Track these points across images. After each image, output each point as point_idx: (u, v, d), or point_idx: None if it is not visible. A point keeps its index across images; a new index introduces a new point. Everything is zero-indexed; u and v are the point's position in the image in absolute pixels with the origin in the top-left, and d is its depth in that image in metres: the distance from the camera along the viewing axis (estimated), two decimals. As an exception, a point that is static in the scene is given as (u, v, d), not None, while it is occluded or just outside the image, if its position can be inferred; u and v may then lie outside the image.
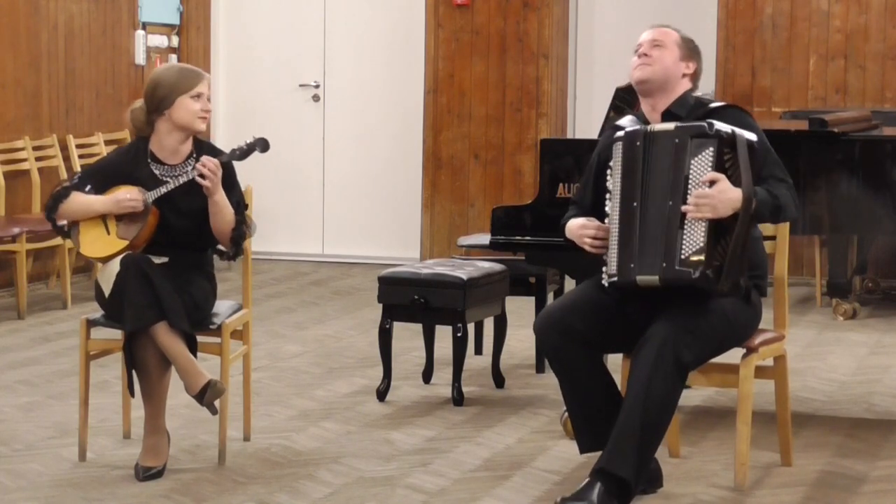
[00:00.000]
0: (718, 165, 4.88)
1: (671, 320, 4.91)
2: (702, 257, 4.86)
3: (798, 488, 5.31)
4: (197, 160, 5.49)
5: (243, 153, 5.57)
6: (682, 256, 4.88)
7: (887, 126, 7.34)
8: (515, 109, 10.80)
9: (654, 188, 4.96)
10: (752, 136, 4.99)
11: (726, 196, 4.86)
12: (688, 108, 5.20)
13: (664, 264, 4.89)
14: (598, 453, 4.98)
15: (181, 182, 5.45)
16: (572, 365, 5.09)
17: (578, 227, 5.14)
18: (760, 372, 5.34)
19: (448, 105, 10.92)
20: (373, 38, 11.24)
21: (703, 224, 4.86)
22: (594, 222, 5.10)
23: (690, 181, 4.89)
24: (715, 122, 4.95)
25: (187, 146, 5.56)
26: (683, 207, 4.88)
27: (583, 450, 5.20)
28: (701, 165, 4.90)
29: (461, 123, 10.90)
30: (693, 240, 4.88)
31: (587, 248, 5.10)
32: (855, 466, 5.61)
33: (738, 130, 4.95)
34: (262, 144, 5.60)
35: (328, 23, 11.35)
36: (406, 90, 11.13)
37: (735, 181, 4.88)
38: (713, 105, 5.25)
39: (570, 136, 11.01)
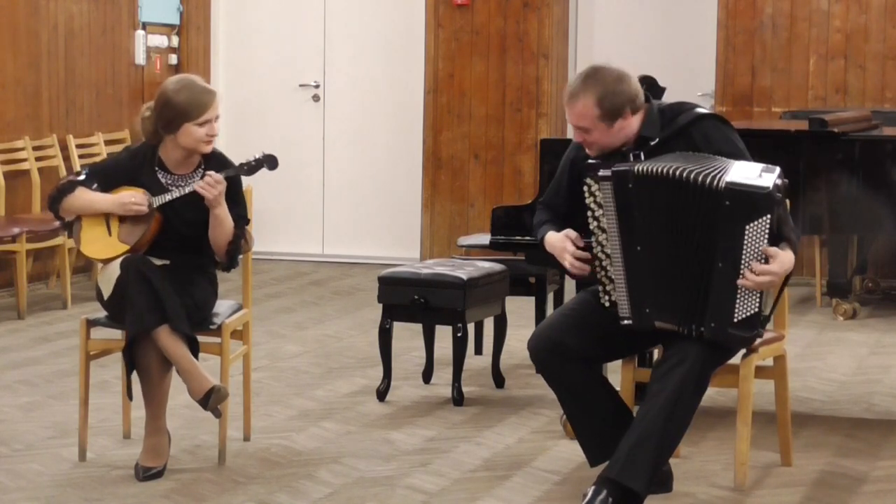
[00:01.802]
0: (772, 229, 4.78)
1: (699, 341, 4.87)
2: (756, 320, 4.85)
3: (798, 488, 5.31)
4: (205, 171, 5.47)
5: (251, 169, 5.53)
6: (736, 319, 4.83)
7: (887, 126, 7.34)
8: (515, 109, 10.80)
9: (677, 237, 4.86)
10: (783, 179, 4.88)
11: (784, 268, 4.79)
12: (657, 126, 5.03)
13: (713, 324, 4.82)
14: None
15: (187, 191, 5.44)
16: (570, 382, 5.06)
17: (560, 249, 5.05)
18: (760, 372, 5.34)
19: (448, 105, 10.92)
20: (373, 38, 11.24)
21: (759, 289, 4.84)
22: (574, 243, 5.02)
23: (745, 248, 4.77)
24: (768, 182, 4.76)
25: (196, 157, 5.53)
26: (741, 282, 4.77)
27: (593, 462, 5.12)
28: (757, 233, 4.77)
29: (461, 123, 10.90)
30: (748, 304, 4.83)
31: (568, 268, 5.04)
32: (855, 466, 5.61)
33: (780, 182, 4.80)
34: (271, 162, 5.54)
35: (328, 23, 11.35)
36: (406, 90, 11.12)
37: (781, 236, 4.84)
38: (688, 119, 5.05)
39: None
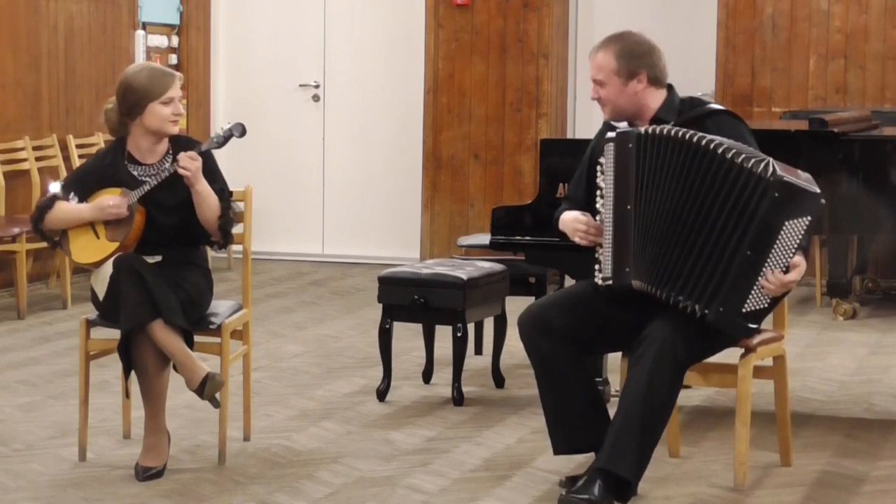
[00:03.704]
0: (806, 233, 4.85)
1: (670, 319, 4.90)
2: (762, 315, 4.92)
3: (798, 488, 5.31)
4: (174, 156, 5.50)
5: (221, 140, 5.57)
6: (745, 310, 4.87)
7: (887, 126, 7.34)
8: (515, 109, 10.80)
9: (690, 208, 4.88)
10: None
11: (800, 275, 4.88)
12: (675, 113, 5.13)
13: (721, 309, 4.85)
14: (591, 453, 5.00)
15: (162, 178, 5.46)
16: (548, 360, 5.08)
17: (572, 220, 5.13)
18: (760, 372, 5.34)
19: (448, 105, 10.92)
20: (373, 38, 11.24)
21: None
22: (587, 217, 5.09)
23: (778, 243, 4.81)
24: (815, 186, 4.85)
25: (163, 144, 5.56)
26: (763, 283, 4.83)
27: (556, 451, 5.20)
28: (793, 231, 4.82)
29: (461, 123, 10.90)
30: (761, 297, 4.88)
31: (578, 240, 5.10)
32: (855, 466, 5.61)
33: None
34: (240, 130, 5.59)
35: (328, 23, 11.35)
36: (406, 90, 11.13)
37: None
38: (704, 111, 5.17)
39: (570, 136, 11.01)
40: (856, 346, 8.10)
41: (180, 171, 5.40)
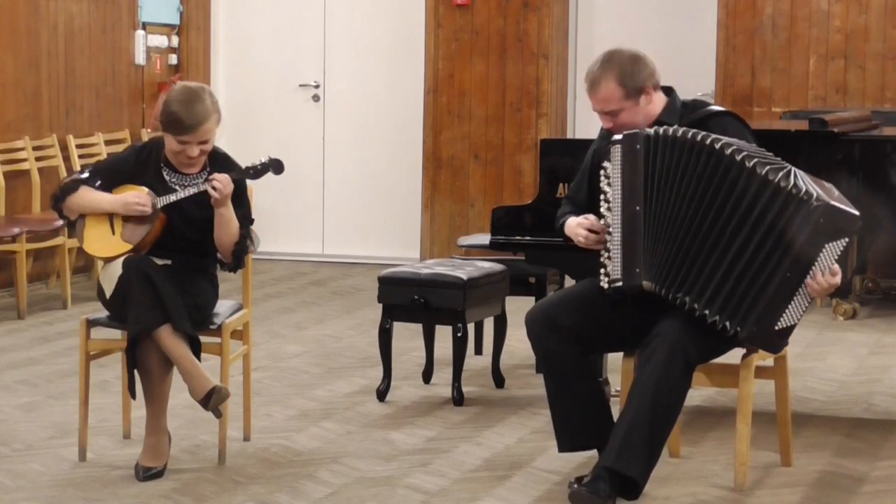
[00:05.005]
0: (843, 253, 4.87)
1: (680, 319, 4.89)
2: (790, 332, 4.93)
3: (798, 488, 5.31)
4: (210, 172, 5.45)
5: (257, 173, 5.50)
6: (778, 327, 4.88)
7: (887, 126, 7.34)
8: (515, 109, 10.80)
9: (712, 217, 4.87)
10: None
11: (839, 280, 4.88)
12: (677, 115, 5.14)
13: (755, 327, 4.85)
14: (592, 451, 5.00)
15: (191, 193, 5.43)
16: (554, 358, 5.10)
17: (575, 226, 5.13)
18: (760, 372, 5.34)
19: (448, 105, 10.92)
20: (373, 38, 11.24)
21: (807, 301, 4.87)
22: (590, 220, 5.09)
23: (817, 264, 4.81)
24: (852, 206, 4.85)
25: (202, 158, 5.50)
26: (808, 282, 4.82)
27: (561, 448, 5.22)
28: (832, 252, 4.82)
29: (461, 123, 10.90)
30: (793, 315, 4.88)
31: (580, 241, 5.09)
32: (855, 466, 5.61)
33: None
34: (277, 166, 5.51)
35: (328, 23, 11.35)
36: (406, 90, 11.13)
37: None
38: (707, 113, 5.18)
39: (570, 136, 11.01)
40: (856, 346, 8.10)
41: (210, 191, 5.36)
